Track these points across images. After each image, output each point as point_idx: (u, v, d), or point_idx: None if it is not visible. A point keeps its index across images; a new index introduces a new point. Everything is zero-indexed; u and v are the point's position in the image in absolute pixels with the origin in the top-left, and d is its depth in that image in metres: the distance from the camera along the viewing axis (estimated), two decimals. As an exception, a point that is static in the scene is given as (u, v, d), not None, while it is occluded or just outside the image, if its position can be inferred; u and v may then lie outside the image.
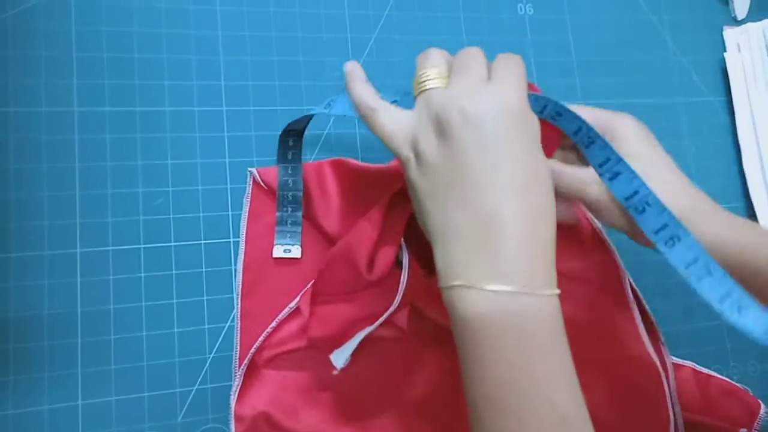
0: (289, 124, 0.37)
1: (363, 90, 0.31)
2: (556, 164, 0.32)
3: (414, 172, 0.29)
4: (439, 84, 0.29)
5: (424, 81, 0.29)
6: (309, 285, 0.37)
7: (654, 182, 0.29)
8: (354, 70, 0.32)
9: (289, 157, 0.38)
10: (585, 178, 0.31)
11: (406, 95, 0.32)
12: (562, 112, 0.30)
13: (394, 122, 0.30)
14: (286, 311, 0.37)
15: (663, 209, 0.29)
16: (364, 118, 0.31)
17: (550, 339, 0.26)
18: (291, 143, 0.38)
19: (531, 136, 0.28)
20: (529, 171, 0.27)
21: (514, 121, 0.27)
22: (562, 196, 0.31)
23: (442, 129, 0.27)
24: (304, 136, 0.39)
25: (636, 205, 0.30)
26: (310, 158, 0.41)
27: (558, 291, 0.26)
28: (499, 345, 0.25)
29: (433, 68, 0.29)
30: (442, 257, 0.28)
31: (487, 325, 0.26)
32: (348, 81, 0.32)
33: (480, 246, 0.26)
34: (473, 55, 0.29)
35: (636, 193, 0.30)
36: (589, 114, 0.31)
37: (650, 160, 0.31)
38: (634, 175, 0.29)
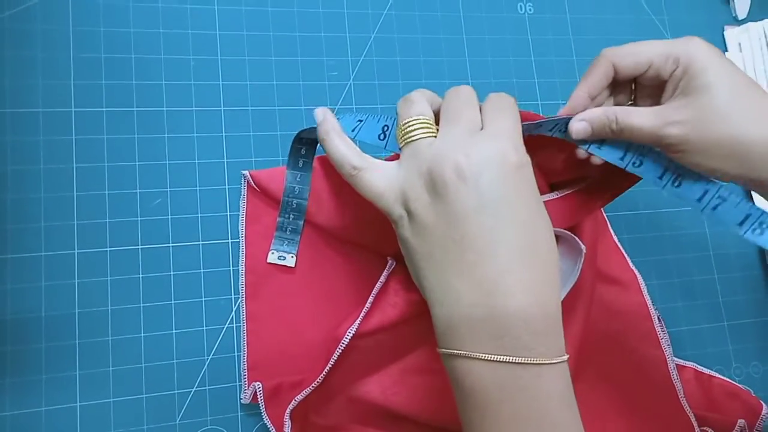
0: (302, 132, 0.37)
1: (342, 147, 0.29)
2: (620, 108, 0.30)
3: (407, 232, 0.27)
4: (426, 134, 0.27)
5: (410, 131, 0.27)
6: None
7: (740, 112, 0.28)
8: (326, 120, 0.30)
9: (300, 165, 0.38)
10: (663, 117, 0.29)
11: (394, 121, 0.30)
12: (541, 123, 0.30)
13: (382, 180, 0.28)
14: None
15: (659, 156, 0.30)
16: (348, 179, 0.29)
17: (561, 411, 0.24)
18: (303, 152, 0.38)
19: (531, 191, 0.26)
20: (532, 231, 0.25)
21: (513, 176, 0.25)
22: (635, 140, 0.29)
23: (435, 187, 0.25)
24: (317, 146, 0.39)
25: (634, 161, 0.31)
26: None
27: (566, 357, 0.25)
28: (507, 421, 0.24)
29: (418, 116, 0.27)
30: (441, 322, 0.26)
31: (493, 400, 0.24)
32: (321, 134, 0.30)
33: (483, 316, 0.24)
34: (463, 99, 0.27)
35: (625, 155, 0.31)
36: (652, 49, 0.30)
37: (729, 89, 0.28)
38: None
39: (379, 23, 0.45)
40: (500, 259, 0.24)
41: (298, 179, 0.38)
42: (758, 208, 0.29)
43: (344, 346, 0.35)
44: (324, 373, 0.35)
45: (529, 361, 0.24)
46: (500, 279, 0.24)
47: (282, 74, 0.42)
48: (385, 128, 0.31)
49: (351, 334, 0.35)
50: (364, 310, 0.36)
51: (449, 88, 0.29)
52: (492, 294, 0.24)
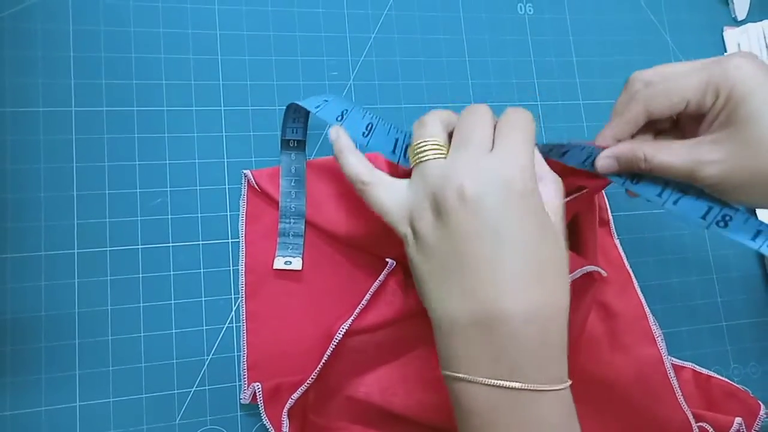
0: (284, 133, 0.37)
1: (355, 162, 0.30)
2: (650, 144, 0.28)
3: (412, 250, 0.27)
4: (436, 155, 0.27)
5: (420, 152, 0.28)
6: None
7: None
8: (340, 139, 0.31)
9: (293, 170, 0.39)
10: (698, 155, 0.26)
11: (406, 135, 0.31)
12: (568, 149, 0.30)
13: (390, 197, 0.28)
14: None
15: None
16: (359, 193, 0.30)
17: None
18: (293, 156, 0.39)
19: (536, 218, 0.25)
20: (535, 260, 0.25)
21: (516, 203, 0.25)
22: (672, 176, 0.28)
23: (439, 209, 0.26)
24: (306, 148, 0.39)
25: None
26: (310, 158, 0.41)
27: (569, 383, 0.25)
28: None
29: (429, 138, 0.28)
30: (443, 345, 0.26)
31: (488, 422, 0.24)
32: (337, 152, 0.31)
33: (483, 341, 0.24)
34: (477, 118, 0.27)
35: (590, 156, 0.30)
36: (686, 85, 0.27)
37: None
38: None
39: (379, 23, 0.45)
40: (499, 285, 0.24)
41: (292, 184, 0.39)
42: (718, 202, 0.28)
43: (337, 341, 0.35)
44: (318, 368, 0.35)
45: (525, 387, 0.24)
46: (498, 304, 0.24)
47: (282, 74, 0.42)
48: (396, 142, 0.31)
49: (344, 330, 0.35)
50: (359, 306, 0.36)
51: (467, 107, 0.29)
52: (490, 319, 0.24)
